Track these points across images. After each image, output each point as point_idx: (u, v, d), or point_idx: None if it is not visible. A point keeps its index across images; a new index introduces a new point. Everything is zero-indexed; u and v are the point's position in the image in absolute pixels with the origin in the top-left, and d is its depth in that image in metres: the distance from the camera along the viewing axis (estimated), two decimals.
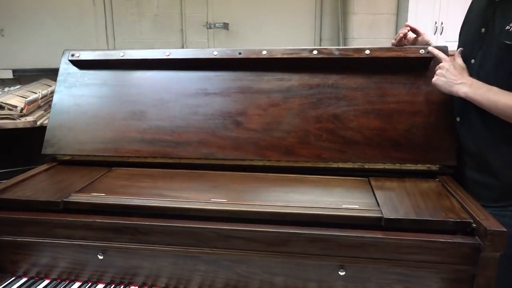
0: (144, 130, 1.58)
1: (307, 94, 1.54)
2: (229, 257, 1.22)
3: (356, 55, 1.52)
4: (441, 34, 4.12)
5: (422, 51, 1.49)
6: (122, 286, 1.29)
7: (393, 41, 1.61)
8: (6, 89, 3.29)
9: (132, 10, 4.48)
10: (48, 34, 4.31)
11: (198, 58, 1.62)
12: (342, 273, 1.17)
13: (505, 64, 1.29)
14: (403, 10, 4.28)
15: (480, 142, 1.39)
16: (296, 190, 1.37)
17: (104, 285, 1.30)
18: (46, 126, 1.66)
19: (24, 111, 2.77)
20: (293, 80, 1.57)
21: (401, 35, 1.58)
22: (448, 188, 1.33)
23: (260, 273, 1.22)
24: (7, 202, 1.31)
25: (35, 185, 1.41)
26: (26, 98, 2.89)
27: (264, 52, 1.56)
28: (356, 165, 1.48)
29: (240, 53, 1.58)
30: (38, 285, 1.31)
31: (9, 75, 4.16)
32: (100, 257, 1.28)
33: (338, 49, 1.55)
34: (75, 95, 1.68)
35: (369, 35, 4.43)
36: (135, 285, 1.29)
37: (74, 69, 1.72)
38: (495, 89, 1.28)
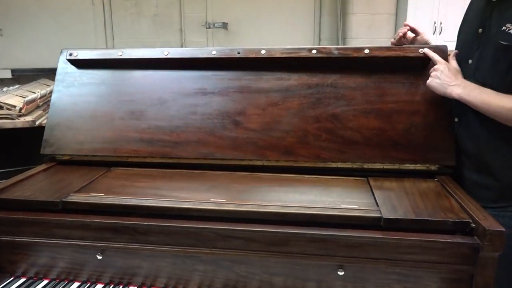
0: (142, 130, 1.58)
1: (306, 94, 1.54)
2: (228, 257, 1.22)
3: (355, 55, 1.52)
4: (440, 34, 4.12)
5: (422, 51, 1.49)
6: (121, 286, 1.28)
7: (393, 40, 1.61)
8: (5, 88, 3.29)
9: (131, 10, 4.48)
10: (47, 34, 4.31)
11: (197, 57, 1.62)
12: (341, 273, 1.17)
13: (501, 65, 1.30)
14: (402, 10, 4.28)
15: (479, 143, 1.39)
16: (295, 190, 1.37)
17: (103, 285, 1.29)
18: (44, 126, 1.66)
19: (23, 111, 2.77)
20: (292, 79, 1.57)
21: (401, 34, 1.58)
22: (447, 188, 1.33)
23: (259, 273, 1.22)
24: (6, 202, 1.31)
25: (33, 185, 1.41)
26: (25, 97, 2.89)
27: (263, 52, 1.56)
28: (355, 165, 1.48)
29: (239, 53, 1.58)
30: (37, 285, 1.30)
31: (8, 74, 4.16)
32: (99, 257, 1.27)
33: (337, 49, 1.54)
34: (74, 95, 1.67)
35: (368, 35, 4.44)
36: (134, 285, 1.28)
37: (72, 68, 1.71)
38: (488, 90, 1.30)
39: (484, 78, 1.34)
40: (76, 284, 1.30)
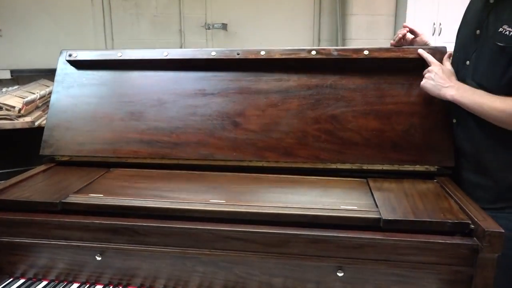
0: (142, 131, 1.58)
1: (305, 95, 1.54)
2: (227, 258, 1.22)
3: (355, 56, 1.52)
4: (439, 35, 4.13)
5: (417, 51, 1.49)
6: (120, 287, 1.29)
7: (392, 41, 1.61)
8: (4, 89, 3.29)
9: (131, 11, 4.48)
10: (46, 35, 4.30)
11: (196, 58, 1.62)
12: (340, 274, 1.17)
13: (498, 66, 1.30)
14: (401, 11, 4.29)
15: (476, 144, 1.39)
16: (294, 191, 1.37)
17: (102, 286, 1.29)
18: (44, 127, 1.66)
19: (22, 112, 2.77)
20: (291, 80, 1.57)
21: (400, 35, 1.58)
22: (446, 189, 1.33)
23: (258, 274, 1.22)
24: (5, 203, 1.31)
25: (33, 186, 1.41)
26: (24, 98, 2.88)
27: (262, 53, 1.56)
28: (355, 166, 1.48)
29: (238, 54, 1.58)
30: (36, 286, 1.30)
31: (7, 75, 4.15)
32: (98, 258, 1.27)
33: (336, 50, 1.55)
34: (73, 96, 1.67)
35: (368, 36, 4.44)
36: (133, 287, 1.28)
37: (71, 69, 1.71)
38: (481, 92, 1.31)
39: (481, 79, 1.34)
40: (75, 285, 1.30)
